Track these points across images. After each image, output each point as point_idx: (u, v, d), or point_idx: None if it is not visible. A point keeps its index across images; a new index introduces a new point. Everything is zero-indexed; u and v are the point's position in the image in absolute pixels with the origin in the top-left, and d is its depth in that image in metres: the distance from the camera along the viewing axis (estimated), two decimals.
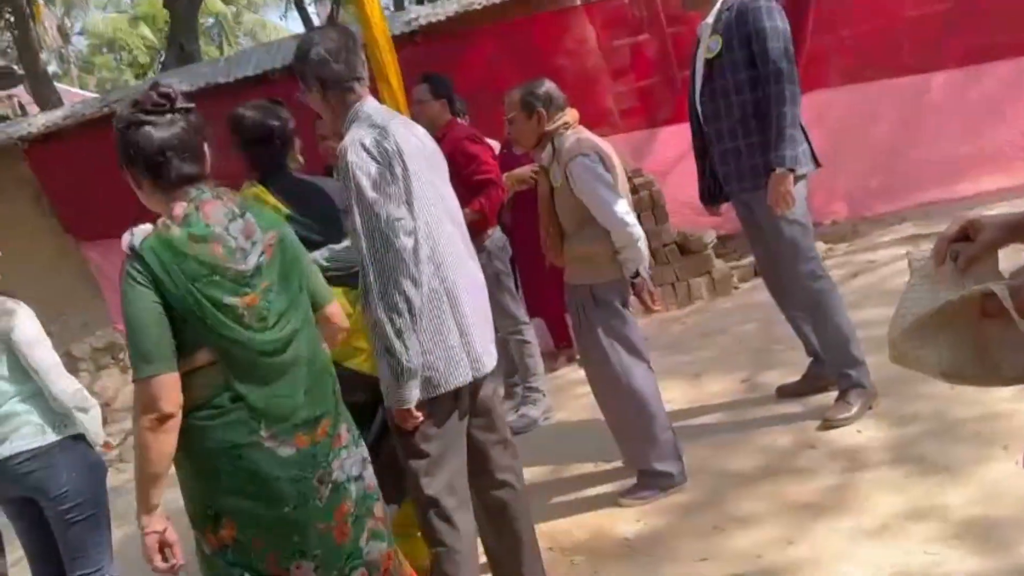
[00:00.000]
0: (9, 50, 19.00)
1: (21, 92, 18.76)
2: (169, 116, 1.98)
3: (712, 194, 3.81)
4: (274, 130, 2.75)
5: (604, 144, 3.20)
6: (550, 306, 5.22)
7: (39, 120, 7.54)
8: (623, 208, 3.08)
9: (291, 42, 8.58)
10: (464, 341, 2.38)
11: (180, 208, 1.98)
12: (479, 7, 7.35)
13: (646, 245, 3.16)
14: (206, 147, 2.07)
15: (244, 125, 2.76)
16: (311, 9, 16.75)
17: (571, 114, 3.24)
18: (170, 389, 1.89)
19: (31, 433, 2.69)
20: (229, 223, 2.00)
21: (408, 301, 2.24)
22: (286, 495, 1.99)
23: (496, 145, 5.44)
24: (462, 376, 2.38)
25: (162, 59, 14.06)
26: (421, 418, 2.34)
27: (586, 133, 3.23)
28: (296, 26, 35.47)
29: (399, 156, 2.29)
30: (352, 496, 2.11)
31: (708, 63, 3.53)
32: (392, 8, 15.50)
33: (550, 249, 3.40)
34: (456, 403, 2.43)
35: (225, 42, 28.13)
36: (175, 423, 1.90)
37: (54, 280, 7.03)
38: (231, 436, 1.96)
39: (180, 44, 9.08)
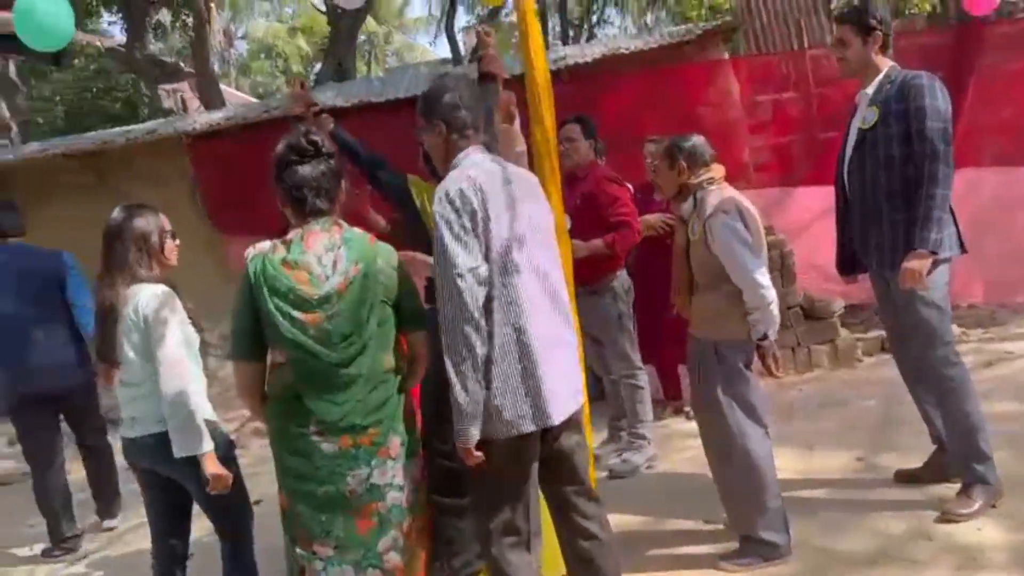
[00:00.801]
0: (183, 48, 20.36)
1: (184, 87, 20.10)
2: (314, 160, 2.43)
3: (850, 264, 3.74)
4: None
5: (747, 203, 3.20)
6: (664, 355, 5.21)
7: (203, 118, 8.09)
8: (759, 270, 3.08)
9: (441, 70, 8.92)
10: (532, 391, 2.41)
11: (293, 234, 2.43)
12: (626, 52, 7.45)
13: (778, 309, 3.13)
14: (343, 185, 2.51)
15: None
16: (459, 36, 17.26)
17: (716, 170, 3.26)
18: (241, 374, 2.48)
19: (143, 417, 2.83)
20: (324, 253, 2.39)
21: (471, 348, 2.32)
22: (322, 481, 2.39)
23: (630, 188, 5.50)
24: (526, 425, 2.42)
25: (316, 70, 14.79)
26: (481, 456, 2.40)
27: (730, 190, 3.24)
28: (443, 51, 36.48)
29: (483, 207, 2.37)
30: (386, 500, 2.43)
31: (862, 133, 3.48)
32: None
33: (679, 300, 3.42)
34: (520, 449, 2.46)
35: (374, 60, 29.32)
36: (248, 394, 2.49)
37: (197, 267, 7.49)
38: (288, 425, 2.42)
39: (339, 61, 9.56)
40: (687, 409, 5.18)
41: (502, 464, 2.45)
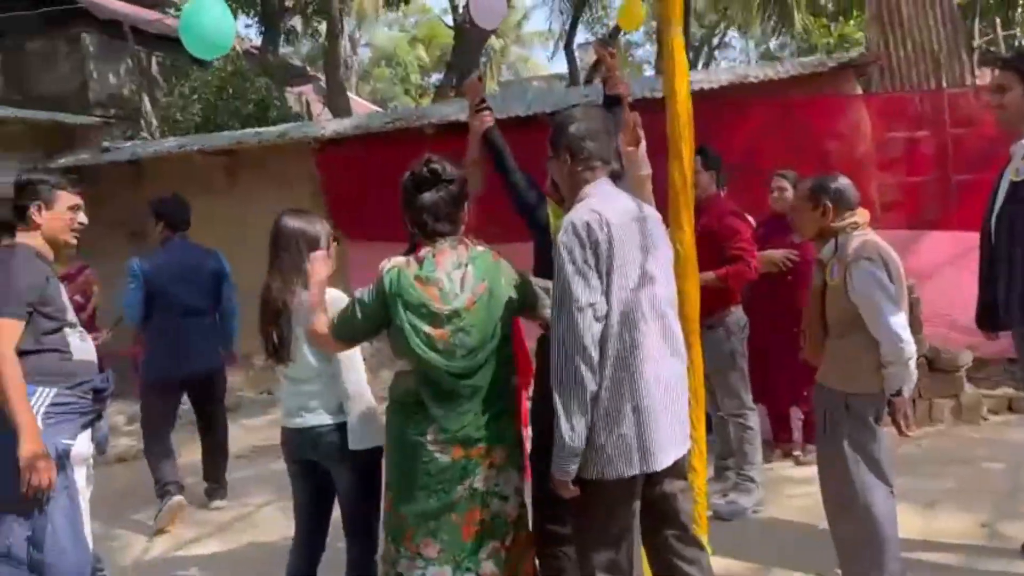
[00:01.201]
0: (311, 52, 21.11)
1: (308, 90, 20.84)
2: (434, 188, 2.58)
3: (991, 319, 3.56)
4: None
5: (891, 252, 3.07)
6: (777, 396, 5.06)
7: (332, 125, 8.38)
8: (900, 322, 2.95)
9: (562, 89, 8.96)
10: (639, 433, 2.37)
11: (424, 251, 2.58)
12: (755, 80, 7.32)
13: (915, 364, 3.00)
14: (465, 207, 2.65)
15: None
16: (577, 54, 17.32)
17: (861, 214, 3.14)
18: (332, 344, 2.70)
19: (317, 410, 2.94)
20: (453, 270, 2.53)
21: (581, 383, 2.31)
22: (433, 490, 2.50)
23: (752, 222, 5.37)
24: (629, 468, 2.38)
25: (436, 81, 15.09)
26: (576, 491, 2.39)
27: (873, 236, 3.12)
28: (558, 66, 36.67)
29: (608, 244, 2.36)
30: (489, 508, 2.53)
31: (1014, 185, 3.32)
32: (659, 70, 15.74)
33: (810, 346, 3.29)
34: (621, 491, 2.43)
35: (488, 73, 29.73)
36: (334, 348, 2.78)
37: None
38: (406, 430, 2.54)
39: (461, 73, 9.71)
40: (797, 453, 5.01)
41: (603, 503, 2.42)
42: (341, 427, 2.88)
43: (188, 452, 5.67)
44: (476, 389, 2.52)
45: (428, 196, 2.58)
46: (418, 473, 2.51)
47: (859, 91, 7.65)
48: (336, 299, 2.86)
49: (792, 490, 4.55)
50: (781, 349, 4.88)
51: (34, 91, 12.03)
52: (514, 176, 3.26)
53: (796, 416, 5.12)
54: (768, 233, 5.01)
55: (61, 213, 2.99)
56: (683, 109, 2.90)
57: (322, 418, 2.92)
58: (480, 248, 2.63)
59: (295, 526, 3.11)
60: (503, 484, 2.57)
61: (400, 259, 2.60)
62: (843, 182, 3.16)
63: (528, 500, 2.79)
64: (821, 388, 3.19)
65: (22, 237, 2.95)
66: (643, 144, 3.18)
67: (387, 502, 2.62)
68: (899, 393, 3.00)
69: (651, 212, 2.63)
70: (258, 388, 7.68)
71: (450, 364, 2.49)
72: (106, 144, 9.15)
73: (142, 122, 11.56)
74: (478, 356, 2.51)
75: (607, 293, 2.36)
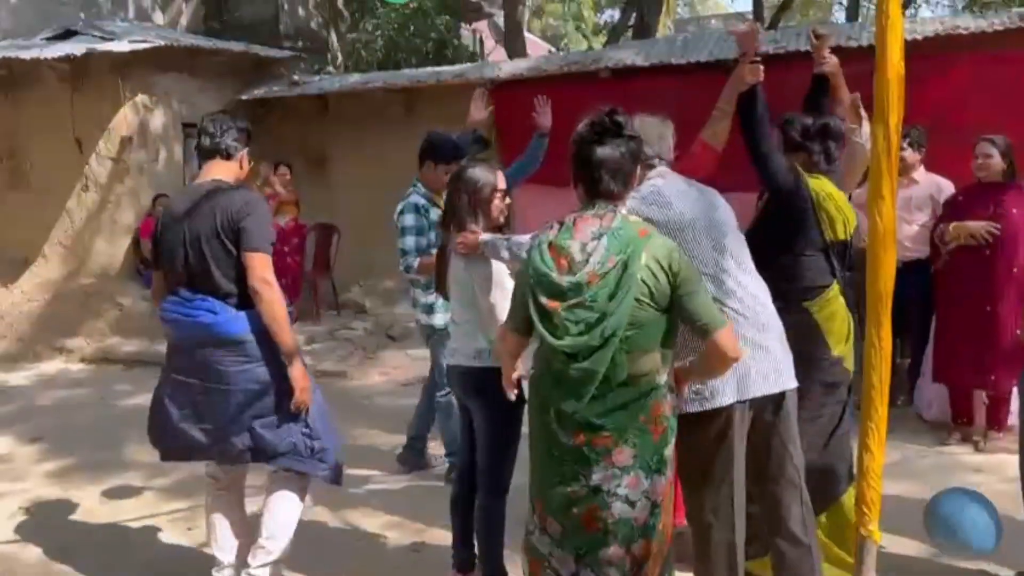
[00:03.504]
0: None
1: (482, 26, 20.97)
2: (614, 139, 2.31)
3: None
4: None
5: None
6: (960, 376, 4.76)
7: (508, 67, 8.42)
8: None
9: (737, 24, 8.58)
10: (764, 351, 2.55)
11: (568, 218, 2.36)
12: (965, 32, 6.73)
13: None
14: (638, 170, 2.41)
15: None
16: None
17: None
18: (508, 342, 2.55)
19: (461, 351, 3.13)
20: (589, 240, 2.29)
21: None
22: (556, 469, 2.35)
23: (948, 184, 5.01)
24: (725, 398, 2.53)
25: (613, 21, 14.78)
26: None
27: None
28: (742, 5, 35.04)
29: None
30: (611, 509, 2.31)
31: None
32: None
33: None
34: (721, 424, 2.56)
35: (665, 9, 28.76)
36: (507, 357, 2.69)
37: None
38: (541, 401, 2.38)
39: (642, 14, 9.45)
40: (977, 439, 4.73)
41: (704, 439, 2.62)
42: (478, 372, 3.01)
43: None
44: (589, 374, 2.26)
45: (608, 150, 2.31)
46: (545, 448, 2.39)
47: None
48: (498, 276, 2.95)
49: (968, 477, 4.30)
50: (970, 326, 4.59)
51: (230, 20, 12.73)
52: (767, 141, 3.03)
53: (980, 399, 4.80)
54: (968, 202, 4.66)
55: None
56: (895, 74, 2.68)
57: (461, 359, 3.08)
58: (633, 219, 2.36)
59: (459, 453, 3.31)
60: (627, 487, 2.32)
61: (551, 225, 2.41)
62: None
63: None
64: None
65: (232, 175, 3.17)
66: (866, 124, 3.02)
67: (532, 459, 2.50)
68: None
69: (706, 196, 2.76)
70: None
71: (560, 342, 2.26)
72: (295, 77, 9.61)
73: (328, 56, 12.03)
74: (594, 337, 2.23)
75: None
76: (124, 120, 8.44)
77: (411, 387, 6.44)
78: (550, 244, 2.33)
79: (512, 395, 2.85)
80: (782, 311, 2.76)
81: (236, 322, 2.96)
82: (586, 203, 2.36)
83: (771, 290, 2.77)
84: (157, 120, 8.67)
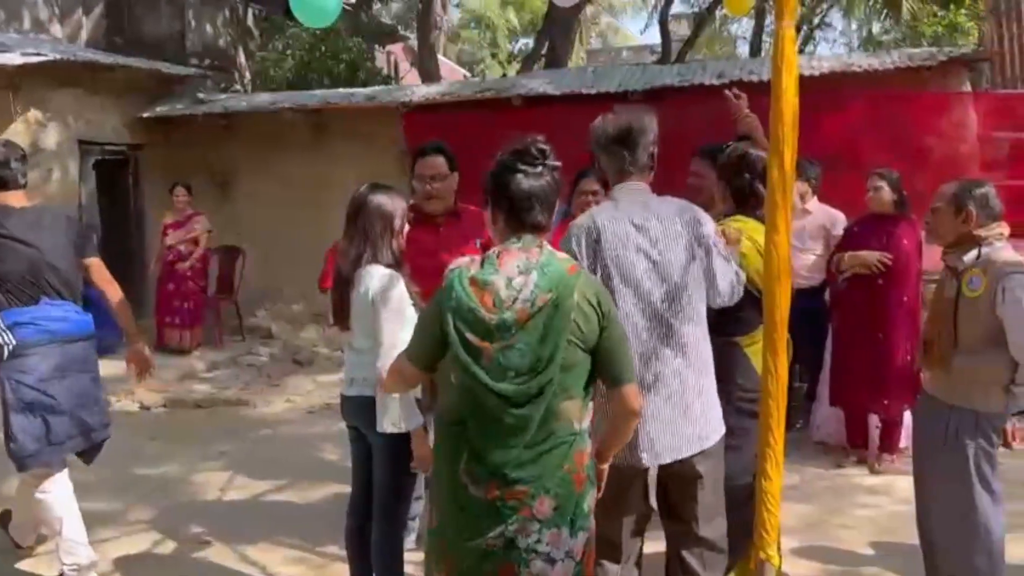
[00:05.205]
0: (399, 10, 21.14)
1: (397, 49, 20.92)
2: (540, 168, 2.21)
3: None
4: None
5: None
6: (854, 401, 4.92)
7: (421, 91, 8.40)
8: None
9: (655, 68, 8.81)
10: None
11: (491, 252, 2.21)
12: (858, 70, 7.07)
13: None
14: (557, 202, 2.30)
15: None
16: (671, 26, 16.93)
17: (1004, 227, 2.97)
18: (405, 372, 2.33)
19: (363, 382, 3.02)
20: (516, 275, 2.14)
21: None
22: (466, 529, 2.17)
23: (841, 216, 5.20)
24: (626, 458, 2.54)
25: (525, 49, 14.95)
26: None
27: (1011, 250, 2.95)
28: (651, 37, 36.03)
29: (595, 243, 2.58)
30: (528, 568, 2.14)
31: None
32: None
33: (934, 358, 3.07)
34: (623, 479, 2.58)
35: (578, 40, 29.32)
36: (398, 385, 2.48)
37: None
38: (449, 451, 2.20)
39: (553, 45, 9.60)
40: (871, 461, 4.88)
41: (610, 487, 2.52)
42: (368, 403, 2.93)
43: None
44: (526, 421, 2.10)
45: (535, 181, 2.20)
46: (453, 502, 2.20)
47: (968, 87, 7.31)
48: (398, 301, 2.88)
49: (863, 499, 4.44)
50: (864, 353, 4.75)
51: (134, 36, 12.32)
52: None
53: (873, 423, 4.97)
54: (862, 233, 4.84)
55: None
56: (788, 108, 2.77)
57: (364, 389, 2.97)
58: (559, 255, 2.24)
59: (352, 487, 3.19)
60: (548, 544, 2.15)
61: (465, 260, 2.27)
62: (989, 189, 2.98)
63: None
64: (942, 404, 3.00)
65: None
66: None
67: (431, 517, 2.32)
68: (1021, 413, 2.87)
69: (667, 211, 2.68)
70: (332, 346, 7.85)
71: (501, 386, 2.10)
72: (201, 95, 9.36)
73: (235, 74, 11.77)
74: (531, 383, 2.09)
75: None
76: (16, 137, 8.03)
77: (316, 414, 6.30)
78: (471, 279, 2.15)
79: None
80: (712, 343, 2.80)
81: None
82: (508, 236, 2.22)
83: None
84: (51, 137, 8.30)
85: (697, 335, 2.69)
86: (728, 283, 2.76)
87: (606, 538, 2.63)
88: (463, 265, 2.22)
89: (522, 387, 2.09)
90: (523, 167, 2.21)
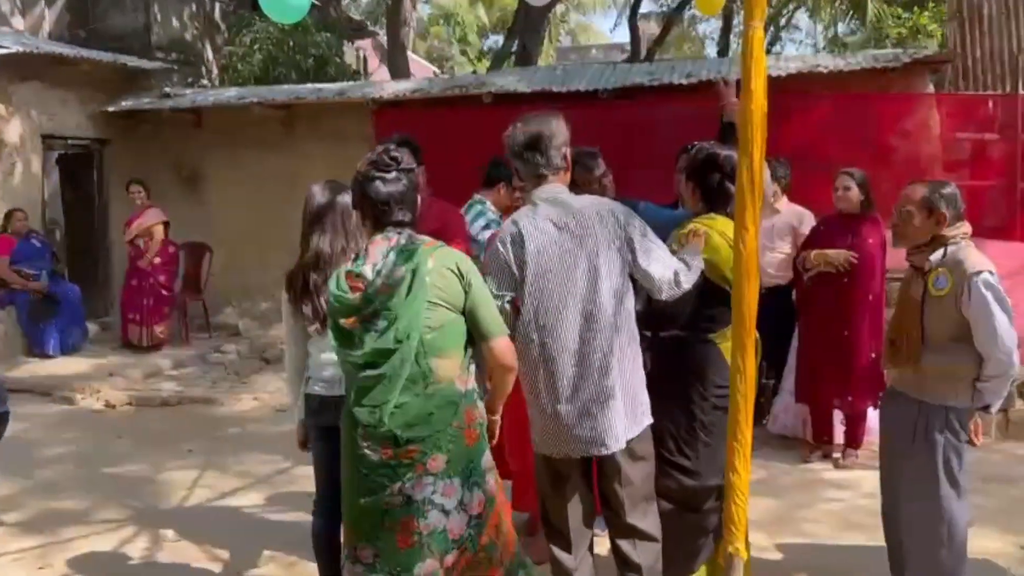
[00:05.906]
0: (369, 6, 21.01)
1: (366, 45, 20.78)
2: (395, 174, 2.48)
3: None
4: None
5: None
6: (820, 397, 4.99)
7: (390, 87, 8.36)
8: (1013, 339, 2.85)
9: (625, 67, 8.86)
10: (555, 418, 2.69)
11: (362, 246, 2.53)
12: (824, 71, 7.16)
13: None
14: (418, 199, 2.57)
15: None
16: (641, 26, 17.01)
17: (967, 226, 3.03)
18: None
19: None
20: (380, 260, 2.42)
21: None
22: (364, 489, 2.42)
23: (809, 215, 5.27)
24: (553, 449, 2.73)
25: (495, 46, 14.94)
26: None
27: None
28: (620, 35, 36.08)
29: (519, 244, 2.67)
30: (426, 519, 2.39)
31: None
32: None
33: (901, 356, 3.10)
34: (555, 468, 2.77)
35: (548, 38, 29.34)
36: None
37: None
38: (348, 429, 2.46)
39: (524, 43, 9.60)
40: (837, 456, 4.96)
41: (544, 475, 2.87)
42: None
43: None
44: (381, 379, 2.36)
45: (393, 186, 2.47)
46: (353, 468, 2.46)
47: (931, 89, 7.45)
48: None
49: (829, 493, 4.51)
50: (830, 350, 4.83)
51: (99, 29, 12.13)
52: None
53: (838, 419, 5.05)
54: (829, 232, 4.91)
55: None
56: (758, 108, 2.80)
57: (340, 389, 2.87)
58: (422, 238, 2.50)
59: (317, 486, 3.13)
60: (442, 495, 2.41)
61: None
62: (955, 189, 3.03)
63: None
64: (913, 400, 3.06)
65: None
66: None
67: (343, 485, 2.57)
68: (987, 408, 2.94)
69: (585, 210, 2.73)
70: None
71: (351, 352, 2.39)
72: (167, 90, 9.24)
73: (202, 69, 11.63)
74: (387, 340, 2.35)
75: (520, 288, 2.67)
76: None
77: (284, 413, 6.25)
78: (347, 273, 2.44)
79: None
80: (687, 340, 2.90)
81: None
82: (375, 235, 2.49)
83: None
84: (13, 131, 8.15)
85: (622, 329, 2.73)
86: (668, 273, 2.77)
87: (553, 526, 2.86)
88: (346, 265, 2.50)
89: (377, 348, 2.35)
90: (379, 174, 2.48)
